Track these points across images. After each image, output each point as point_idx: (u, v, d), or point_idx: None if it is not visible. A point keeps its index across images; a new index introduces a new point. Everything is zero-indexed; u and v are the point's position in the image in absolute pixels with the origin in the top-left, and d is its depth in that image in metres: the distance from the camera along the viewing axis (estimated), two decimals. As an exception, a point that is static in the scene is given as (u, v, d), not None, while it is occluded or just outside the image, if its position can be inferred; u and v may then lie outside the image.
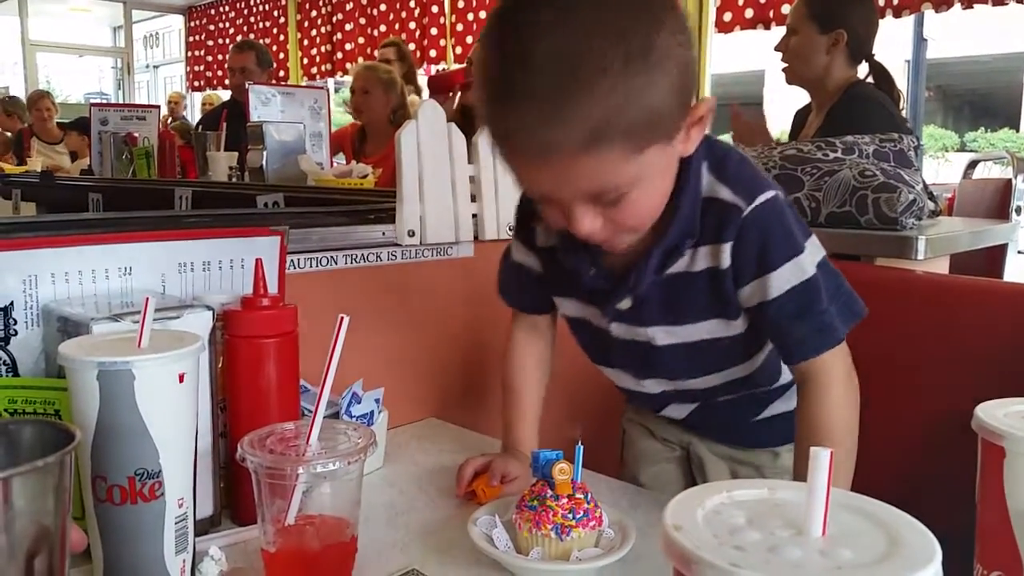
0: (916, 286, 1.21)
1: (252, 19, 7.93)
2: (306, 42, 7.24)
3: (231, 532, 0.80)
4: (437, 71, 5.72)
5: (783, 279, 0.79)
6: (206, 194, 2.08)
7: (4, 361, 0.75)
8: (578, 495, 0.74)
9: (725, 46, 4.74)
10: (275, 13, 7.63)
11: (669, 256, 0.82)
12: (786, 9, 3.87)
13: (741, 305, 0.83)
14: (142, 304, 0.66)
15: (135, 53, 9.85)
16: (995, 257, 2.33)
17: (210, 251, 0.87)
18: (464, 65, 3.08)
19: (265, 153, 2.34)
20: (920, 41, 6.00)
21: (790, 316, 0.80)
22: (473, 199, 1.29)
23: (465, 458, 0.92)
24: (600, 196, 0.72)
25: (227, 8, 8.27)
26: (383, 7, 6.40)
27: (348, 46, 6.74)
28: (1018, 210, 2.65)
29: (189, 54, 8.88)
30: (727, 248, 0.80)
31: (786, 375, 0.95)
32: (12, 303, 0.74)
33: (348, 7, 6.72)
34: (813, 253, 0.81)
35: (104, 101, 8.88)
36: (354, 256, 1.14)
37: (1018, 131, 12.83)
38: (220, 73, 8.14)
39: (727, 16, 4.26)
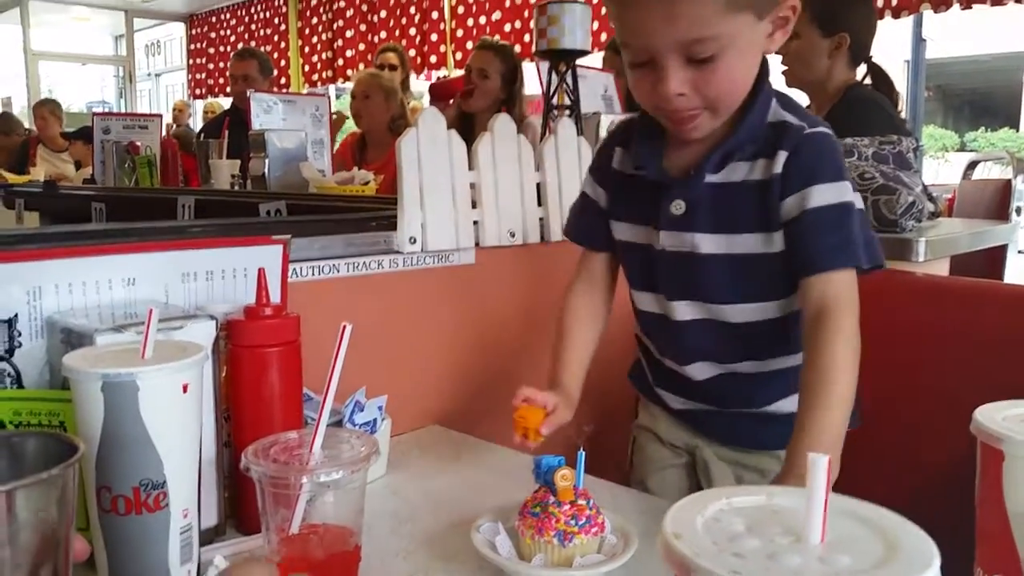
0: (916, 288, 1.21)
1: (253, 26, 7.95)
2: (307, 49, 7.26)
3: (236, 541, 0.80)
4: (438, 78, 5.74)
5: (825, 194, 0.87)
6: (209, 202, 2.09)
7: (9, 373, 0.75)
8: (580, 501, 0.74)
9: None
10: (276, 20, 7.65)
11: (730, 156, 0.91)
12: (785, 12, 3.86)
13: (781, 219, 0.89)
14: (146, 315, 0.66)
15: (137, 61, 9.88)
16: (995, 257, 2.33)
17: (213, 261, 0.87)
18: (463, 72, 3.08)
19: (267, 161, 2.35)
20: (919, 41, 6.01)
21: (822, 227, 0.87)
22: (474, 205, 1.30)
23: (468, 465, 0.94)
24: (693, 49, 0.82)
25: (228, 16, 8.30)
26: (383, 13, 6.42)
27: (349, 52, 6.77)
28: (1018, 211, 2.65)
29: (190, 62, 8.90)
30: (782, 156, 0.88)
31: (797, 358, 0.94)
32: (16, 315, 0.75)
33: (348, 14, 6.74)
34: (854, 193, 0.89)
35: (106, 110, 8.88)
36: (356, 264, 1.14)
37: (1018, 131, 12.83)
38: (222, 81, 8.16)
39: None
